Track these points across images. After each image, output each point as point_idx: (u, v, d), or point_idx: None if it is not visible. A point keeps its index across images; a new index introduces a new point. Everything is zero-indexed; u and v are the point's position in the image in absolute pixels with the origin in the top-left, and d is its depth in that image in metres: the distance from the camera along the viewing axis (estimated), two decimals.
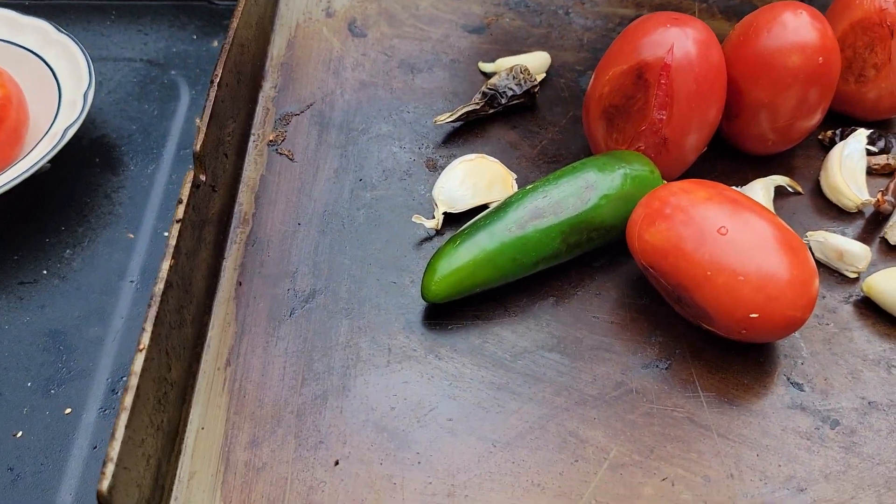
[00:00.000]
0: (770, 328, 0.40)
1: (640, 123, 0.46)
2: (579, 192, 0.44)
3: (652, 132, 0.46)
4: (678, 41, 0.45)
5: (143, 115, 0.64)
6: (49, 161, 0.55)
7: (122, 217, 0.56)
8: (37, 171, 0.53)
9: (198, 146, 0.41)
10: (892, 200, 0.47)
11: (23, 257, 0.54)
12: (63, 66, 0.62)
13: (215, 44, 0.70)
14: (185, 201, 0.38)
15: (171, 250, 0.36)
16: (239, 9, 0.51)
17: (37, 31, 0.64)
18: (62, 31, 0.64)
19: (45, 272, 0.53)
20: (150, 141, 0.62)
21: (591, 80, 0.48)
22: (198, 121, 0.41)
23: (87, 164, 0.61)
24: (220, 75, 0.45)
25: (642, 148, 0.47)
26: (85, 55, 0.62)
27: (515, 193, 0.44)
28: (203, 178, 0.41)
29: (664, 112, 0.46)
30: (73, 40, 0.63)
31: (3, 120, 0.56)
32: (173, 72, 0.68)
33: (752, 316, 0.39)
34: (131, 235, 0.56)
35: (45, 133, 0.57)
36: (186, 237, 0.38)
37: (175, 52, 0.70)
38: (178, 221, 0.37)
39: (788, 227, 0.41)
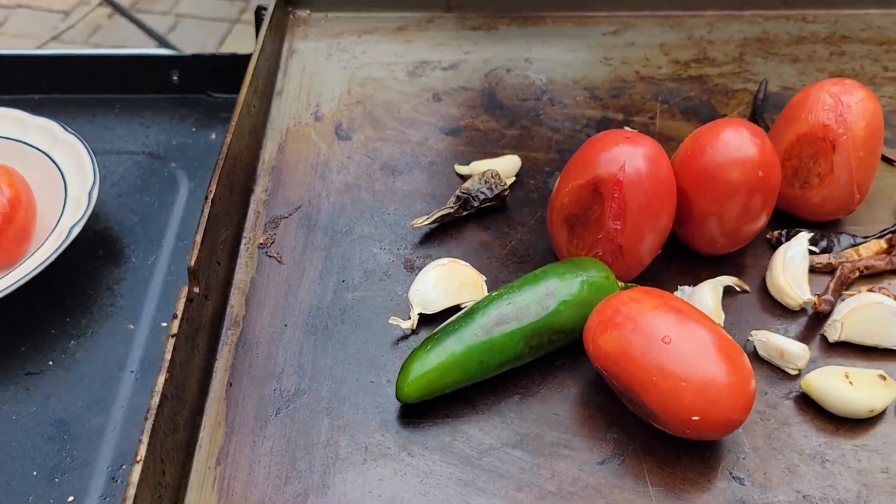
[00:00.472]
0: (711, 429, 0.44)
1: (597, 232, 0.51)
2: (540, 299, 0.48)
3: (608, 240, 0.51)
4: (629, 158, 0.49)
5: (144, 206, 0.69)
6: (56, 256, 0.59)
7: (122, 308, 0.61)
8: (46, 267, 0.58)
9: (192, 261, 0.45)
10: (831, 300, 0.51)
11: (29, 349, 0.58)
12: (69, 164, 0.67)
13: (213, 136, 0.75)
14: (179, 316, 0.42)
15: (165, 364, 0.40)
16: (233, 123, 0.56)
17: (44, 131, 0.69)
18: (69, 131, 0.69)
19: (50, 363, 0.58)
20: (150, 232, 0.66)
21: (553, 190, 0.53)
22: (196, 237, 0.46)
23: (91, 256, 0.65)
24: (213, 191, 0.50)
25: (600, 254, 0.51)
26: (90, 153, 0.66)
27: (482, 300, 0.49)
28: (197, 290, 0.46)
29: (618, 222, 0.50)
30: (79, 139, 0.68)
31: (11, 220, 0.61)
32: (173, 164, 0.73)
33: (693, 419, 0.43)
34: (131, 326, 0.60)
35: (52, 230, 0.62)
36: (181, 348, 0.42)
37: (175, 144, 0.75)
38: (172, 336, 0.41)
39: (727, 335, 0.45)
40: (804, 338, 0.51)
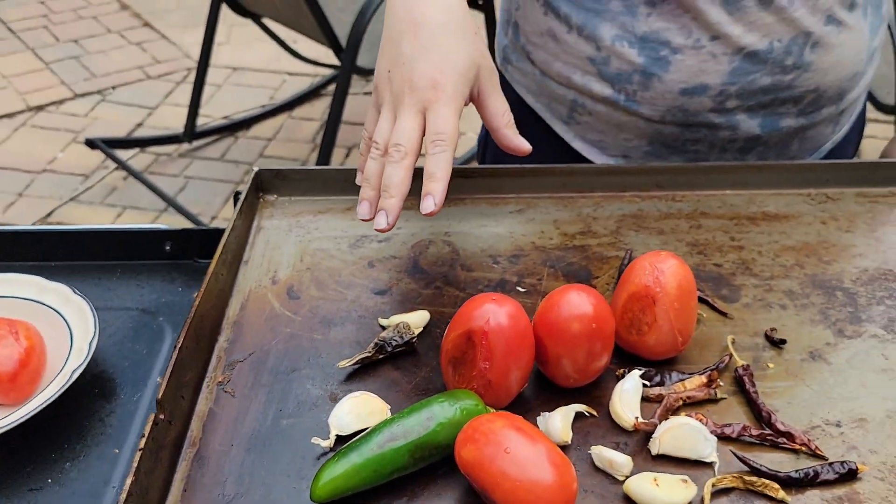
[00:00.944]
0: None
1: (472, 370, 0.67)
2: (423, 421, 0.63)
3: (480, 377, 0.67)
4: (493, 315, 0.66)
5: (134, 354, 0.85)
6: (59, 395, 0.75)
7: (111, 436, 0.76)
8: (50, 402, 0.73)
9: (159, 395, 0.61)
10: (652, 421, 0.66)
11: (33, 469, 0.73)
12: (76, 320, 0.84)
13: (195, 295, 0.93)
14: (146, 435, 0.58)
15: (132, 470, 0.55)
16: (202, 289, 0.73)
17: (58, 293, 0.86)
18: (77, 293, 0.86)
19: (49, 480, 0.72)
20: (138, 375, 0.82)
21: (443, 338, 0.69)
22: (158, 378, 0.62)
23: (87, 394, 0.81)
24: (181, 342, 0.66)
25: (475, 387, 0.67)
26: (93, 311, 0.83)
27: (380, 423, 0.64)
28: (162, 416, 0.61)
29: (487, 363, 0.66)
30: (85, 300, 0.85)
31: (26, 365, 0.77)
32: (161, 318, 0.90)
33: None
34: (116, 451, 0.75)
35: (58, 373, 0.78)
36: (146, 460, 0.58)
37: (164, 301, 0.92)
38: (139, 450, 0.57)
39: (557, 449, 0.60)
40: (634, 452, 0.66)
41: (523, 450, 0.59)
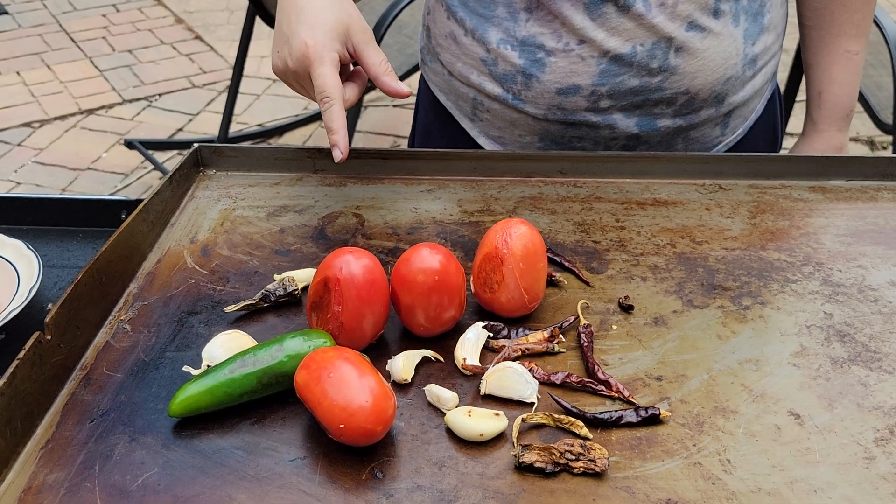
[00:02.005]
0: (355, 435, 0.65)
1: (327, 313, 0.75)
2: (273, 352, 0.72)
3: (334, 319, 0.75)
4: (346, 264, 0.74)
5: None
6: (0, 332, 0.86)
7: None
8: None
9: (47, 318, 0.71)
10: (482, 366, 0.73)
11: None
12: (25, 271, 0.95)
13: None
14: (26, 349, 0.68)
15: (7, 375, 0.65)
16: (110, 240, 0.83)
17: (13, 247, 0.98)
18: (29, 248, 0.97)
19: None
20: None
21: (309, 286, 0.78)
22: (49, 305, 0.72)
23: (29, 335, 0.91)
24: (78, 278, 0.76)
25: (330, 329, 0.75)
26: (39, 264, 0.94)
27: (237, 353, 0.73)
28: (49, 337, 0.71)
29: (339, 306, 0.74)
30: (35, 254, 0.96)
31: None
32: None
33: (340, 426, 0.65)
34: None
35: (1, 312, 0.89)
36: (23, 368, 0.68)
37: None
38: (17, 359, 0.67)
39: (382, 380, 0.67)
40: (467, 392, 0.73)
41: (345, 375, 0.67)
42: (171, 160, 3.19)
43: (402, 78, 2.66)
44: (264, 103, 3.59)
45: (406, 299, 0.77)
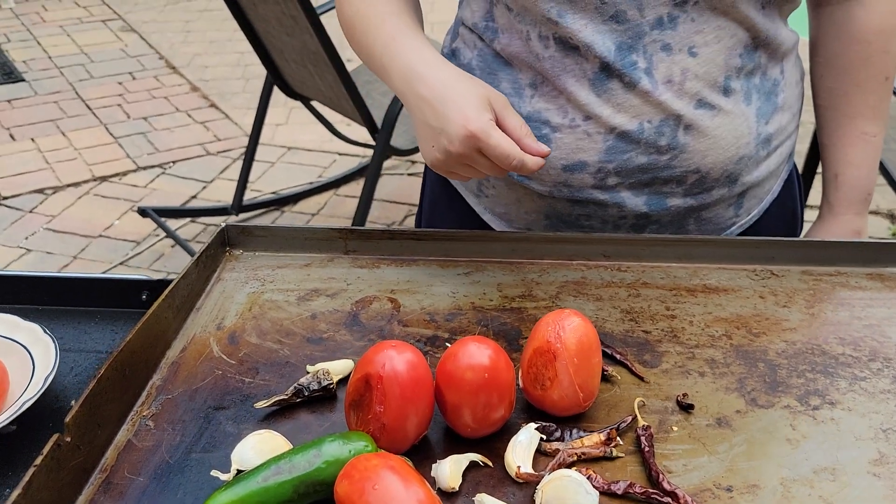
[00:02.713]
0: None
1: (368, 413, 0.70)
2: (310, 458, 0.66)
3: (375, 419, 0.69)
4: (389, 361, 0.69)
5: None
6: (13, 424, 0.81)
7: None
8: (5, 431, 0.79)
9: (68, 418, 0.66)
10: (532, 472, 0.68)
11: None
12: (41, 357, 0.90)
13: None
14: (44, 454, 0.63)
15: (22, 483, 0.60)
16: (136, 327, 0.79)
17: (29, 331, 0.93)
18: (46, 332, 0.92)
19: None
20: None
21: (348, 383, 0.73)
22: (73, 402, 0.66)
23: (42, 427, 0.86)
24: (101, 372, 0.71)
25: (371, 430, 0.70)
26: (56, 349, 0.89)
27: (271, 458, 0.67)
28: (69, 439, 0.66)
29: (381, 406, 0.69)
30: (52, 338, 0.91)
31: None
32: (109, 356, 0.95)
33: None
34: None
35: (14, 402, 0.84)
36: (39, 476, 0.62)
37: None
38: (34, 465, 0.61)
39: (430, 492, 0.62)
40: (519, 501, 0.67)
41: (391, 487, 0.61)
42: (185, 228, 3.17)
43: (417, 149, 2.65)
44: (279, 171, 3.58)
45: (452, 398, 0.71)
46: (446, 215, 1.13)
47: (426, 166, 1.19)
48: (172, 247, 3.06)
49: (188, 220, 3.21)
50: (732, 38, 0.92)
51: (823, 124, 1.06)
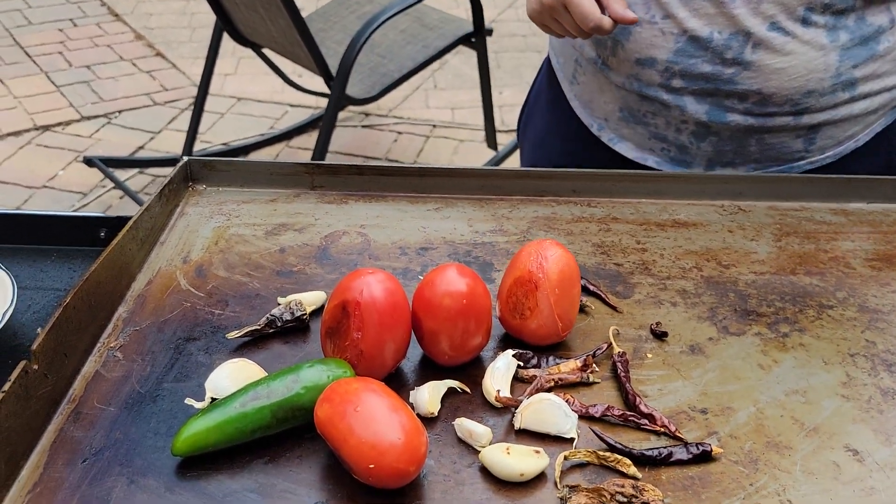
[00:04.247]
0: (386, 476, 0.59)
1: (346, 340, 0.69)
2: (288, 383, 0.65)
3: (353, 346, 0.68)
4: (367, 286, 0.68)
5: None
6: None
7: None
8: None
9: (34, 346, 0.64)
10: (517, 398, 0.68)
11: None
12: None
13: None
14: (12, 380, 0.60)
15: None
16: (100, 258, 0.76)
17: None
18: (2, 269, 0.89)
19: None
20: None
21: (324, 310, 0.71)
22: (38, 329, 0.64)
23: (2, 364, 0.83)
24: (66, 301, 0.69)
25: (348, 357, 0.69)
26: (13, 286, 0.86)
27: (248, 384, 0.66)
28: (36, 367, 0.64)
29: (359, 332, 0.68)
30: (8, 274, 0.88)
31: None
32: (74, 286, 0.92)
33: (370, 466, 0.59)
34: None
35: None
36: (9, 403, 0.60)
37: None
38: (2, 391, 0.59)
39: (411, 413, 0.61)
40: (499, 426, 0.67)
41: (374, 409, 0.60)
42: (133, 179, 3.08)
43: (377, 97, 2.61)
44: (228, 122, 3.50)
45: (430, 325, 0.71)
46: (545, 103, 1.19)
47: (543, 62, 1.24)
48: (121, 198, 2.98)
49: (136, 171, 3.12)
50: None
51: None
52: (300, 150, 3.29)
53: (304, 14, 2.49)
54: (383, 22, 2.46)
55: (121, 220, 0.99)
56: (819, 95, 0.96)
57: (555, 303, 0.72)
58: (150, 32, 4.26)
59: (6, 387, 0.61)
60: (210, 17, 3.02)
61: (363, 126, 3.46)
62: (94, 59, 3.96)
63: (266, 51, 2.87)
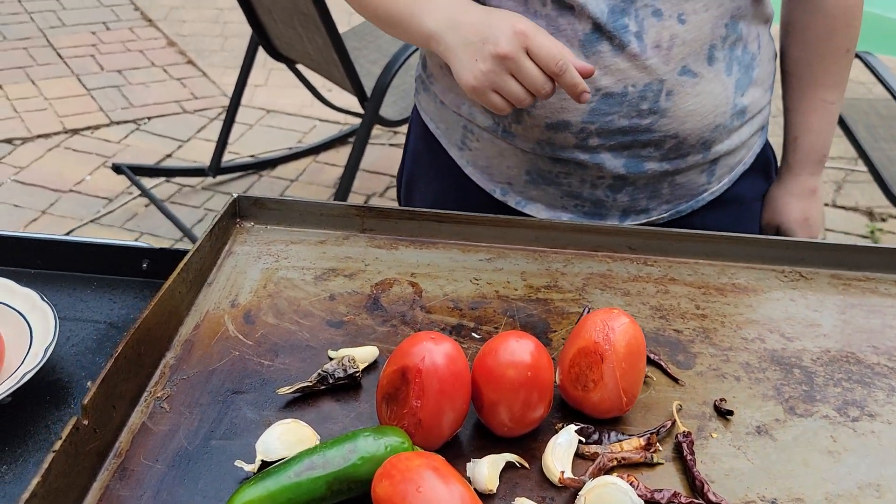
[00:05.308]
0: None
1: (404, 408, 0.66)
2: (345, 453, 0.63)
3: (411, 415, 0.66)
4: (429, 353, 0.66)
5: (93, 365, 0.85)
6: (9, 396, 0.76)
7: (53, 444, 0.75)
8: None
9: (85, 400, 0.61)
10: (576, 478, 0.65)
11: None
12: (38, 326, 0.85)
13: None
14: (63, 438, 0.58)
15: (42, 471, 0.55)
16: (152, 303, 0.74)
17: (25, 298, 0.87)
18: (44, 300, 0.87)
19: None
20: None
21: (381, 373, 0.69)
22: (89, 383, 0.62)
23: (39, 400, 0.81)
24: (118, 351, 0.67)
25: (405, 425, 0.66)
26: (55, 319, 0.84)
27: (302, 451, 0.64)
28: (86, 422, 0.61)
29: (419, 401, 0.66)
30: (50, 307, 0.86)
31: None
32: (125, 333, 0.90)
33: None
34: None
35: (12, 374, 0.79)
36: (59, 462, 0.58)
37: (132, 318, 0.92)
38: (53, 451, 0.57)
39: (473, 494, 0.59)
40: None
41: (437, 490, 0.58)
42: (159, 187, 3.08)
43: (406, 121, 2.59)
44: (257, 133, 3.50)
45: (491, 395, 0.68)
46: (428, 170, 1.14)
47: (411, 121, 1.19)
48: (146, 206, 2.98)
49: (163, 179, 3.12)
50: (720, 8, 0.95)
51: (788, 90, 1.13)
52: (327, 166, 3.28)
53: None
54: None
55: (164, 252, 0.97)
56: (723, 129, 1.01)
57: (620, 376, 0.70)
58: (182, 39, 4.27)
59: (57, 445, 0.58)
60: (242, 27, 3.03)
61: (390, 144, 3.45)
62: (126, 64, 3.97)
63: (298, 65, 2.87)
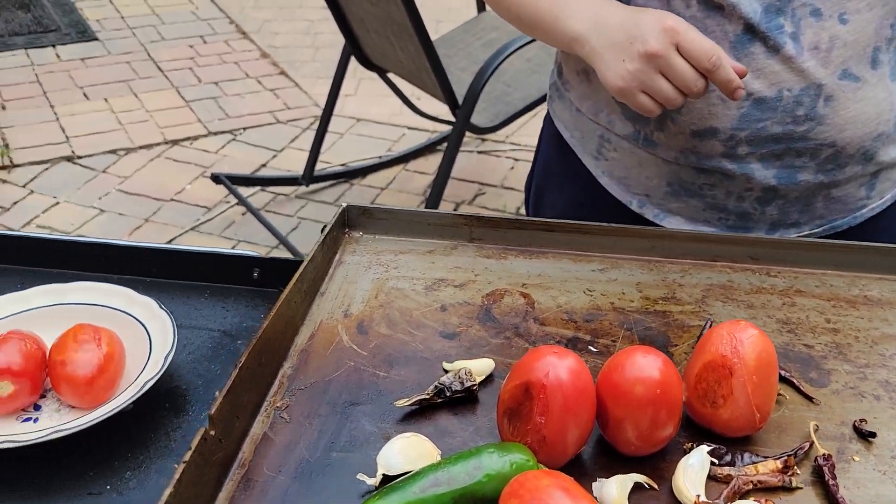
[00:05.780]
0: None
1: (527, 424, 0.65)
2: (470, 470, 0.61)
3: (535, 431, 0.64)
4: (553, 368, 0.64)
5: (209, 372, 0.87)
6: (131, 403, 0.77)
7: (173, 450, 0.77)
8: (120, 411, 0.75)
9: (212, 411, 0.62)
10: (709, 502, 0.62)
11: (95, 474, 0.74)
12: (157, 334, 0.86)
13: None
14: (193, 448, 0.58)
15: (174, 481, 0.56)
16: (272, 313, 0.74)
17: (144, 306, 0.89)
18: (162, 308, 0.89)
19: (108, 487, 0.74)
20: (209, 393, 0.84)
21: (501, 388, 0.67)
22: (217, 392, 0.62)
23: (158, 406, 0.82)
24: (241, 362, 0.67)
25: (529, 442, 0.64)
26: (174, 328, 0.86)
27: (426, 466, 0.62)
28: (213, 433, 0.62)
29: (543, 417, 0.64)
30: (169, 315, 0.87)
31: (104, 371, 0.80)
32: (240, 341, 0.91)
33: None
34: (177, 465, 0.76)
35: (132, 383, 0.80)
36: (189, 473, 0.58)
37: (245, 326, 0.94)
38: (184, 462, 0.57)
39: None
40: None
41: None
42: (255, 196, 3.15)
43: (500, 126, 2.58)
44: (347, 142, 3.54)
45: (617, 412, 0.66)
46: (560, 178, 1.10)
47: (543, 128, 1.14)
48: (243, 214, 3.05)
49: (258, 188, 3.19)
50: (885, 7, 0.88)
51: None
52: (416, 174, 3.30)
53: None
54: (514, 51, 2.43)
55: (274, 262, 0.98)
56: (886, 138, 0.93)
57: (752, 392, 0.66)
58: (274, 51, 4.36)
59: (187, 456, 0.59)
60: (332, 38, 3.07)
61: (479, 152, 3.44)
62: (222, 76, 4.08)
63: (389, 74, 2.89)
